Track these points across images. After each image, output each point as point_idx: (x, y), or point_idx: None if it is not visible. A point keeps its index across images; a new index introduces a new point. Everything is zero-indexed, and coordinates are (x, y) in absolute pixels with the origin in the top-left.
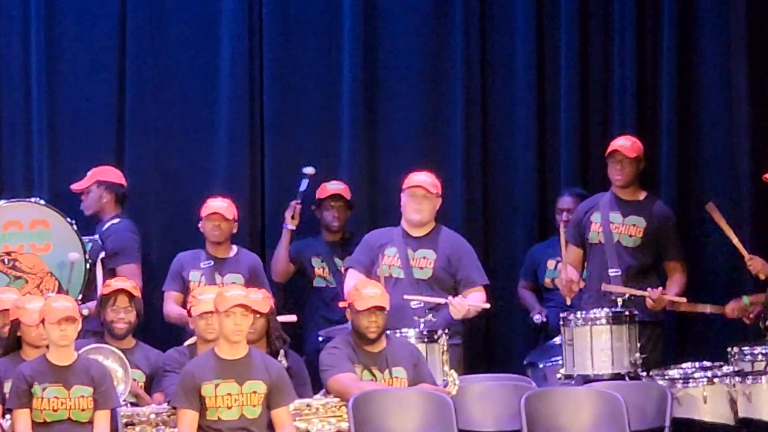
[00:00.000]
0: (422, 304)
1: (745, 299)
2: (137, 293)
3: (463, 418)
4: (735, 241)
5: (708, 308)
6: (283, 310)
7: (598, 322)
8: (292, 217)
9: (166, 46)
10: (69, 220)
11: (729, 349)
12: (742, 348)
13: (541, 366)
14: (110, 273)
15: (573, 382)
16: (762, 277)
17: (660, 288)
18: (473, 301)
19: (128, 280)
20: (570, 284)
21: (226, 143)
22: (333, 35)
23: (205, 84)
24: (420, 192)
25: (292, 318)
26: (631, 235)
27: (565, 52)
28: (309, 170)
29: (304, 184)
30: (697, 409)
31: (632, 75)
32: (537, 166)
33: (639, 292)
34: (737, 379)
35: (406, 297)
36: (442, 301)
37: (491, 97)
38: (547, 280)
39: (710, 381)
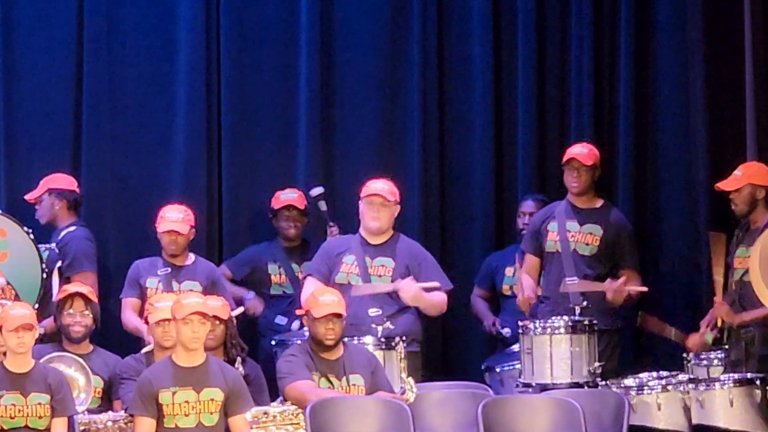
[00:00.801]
0: (380, 313)
1: (708, 337)
2: (93, 297)
3: (420, 425)
4: (718, 278)
5: (672, 333)
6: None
7: (557, 331)
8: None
9: (123, 54)
10: (26, 229)
11: (685, 355)
12: (698, 354)
13: (498, 370)
14: (66, 281)
15: (531, 390)
16: (720, 322)
17: (621, 279)
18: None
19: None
20: (528, 300)
21: (183, 150)
22: (290, 44)
23: (162, 92)
24: (377, 200)
25: (240, 310)
26: (587, 244)
27: (522, 60)
28: (317, 191)
29: (322, 205)
30: (651, 416)
31: (589, 83)
32: (494, 174)
33: (598, 287)
34: (691, 386)
35: (354, 293)
36: (390, 288)
37: (448, 105)
38: (505, 287)
39: (664, 388)
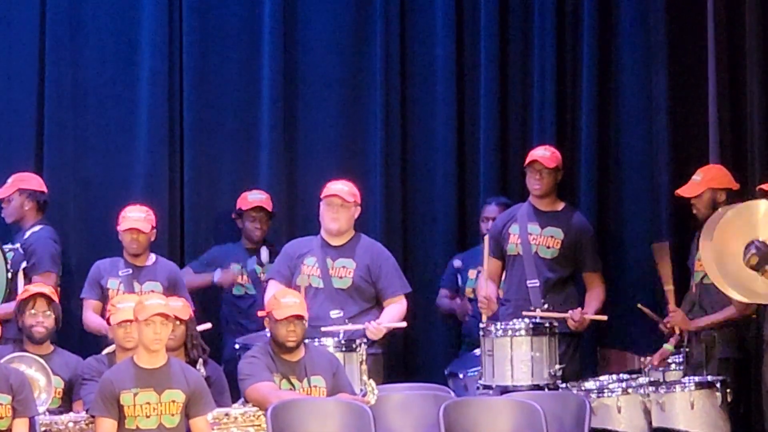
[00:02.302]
0: (341, 315)
1: (669, 347)
2: (56, 298)
3: (381, 427)
4: (668, 288)
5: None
6: (200, 316)
7: (517, 333)
8: None
9: (85, 54)
10: None
11: (642, 359)
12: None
13: (461, 376)
14: (30, 281)
15: (492, 393)
16: (677, 332)
17: (579, 309)
18: (389, 321)
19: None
20: (489, 303)
21: (145, 151)
22: (253, 45)
23: (124, 92)
24: (336, 201)
25: (207, 326)
26: (548, 247)
27: (484, 62)
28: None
29: (264, 254)
30: (611, 419)
31: (552, 85)
32: (456, 176)
33: (559, 316)
34: (651, 388)
35: (323, 329)
36: (360, 327)
37: (411, 107)
38: (468, 290)
39: (624, 391)
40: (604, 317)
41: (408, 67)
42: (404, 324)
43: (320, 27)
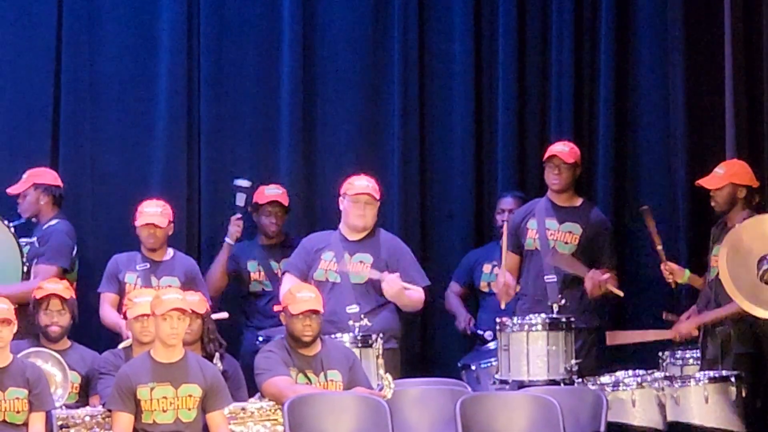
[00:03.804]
0: (358, 310)
1: (687, 273)
2: (69, 294)
3: (398, 421)
4: (658, 247)
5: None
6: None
7: (534, 328)
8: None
9: (102, 49)
10: (6, 222)
11: (660, 354)
12: (674, 352)
13: (473, 368)
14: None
15: (508, 387)
16: (672, 279)
17: (606, 274)
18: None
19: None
20: (507, 288)
21: (162, 146)
22: (271, 40)
23: (142, 87)
24: (364, 198)
25: (223, 315)
26: (566, 242)
27: (502, 57)
28: (243, 183)
29: (240, 199)
30: (626, 413)
31: (569, 80)
32: (474, 171)
33: (581, 269)
34: (666, 383)
35: (339, 269)
36: (376, 276)
37: (429, 102)
38: (483, 284)
39: (639, 385)
40: (621, 293)
41: (426, 63)
42: (419, 288)
43: (339, 23)
